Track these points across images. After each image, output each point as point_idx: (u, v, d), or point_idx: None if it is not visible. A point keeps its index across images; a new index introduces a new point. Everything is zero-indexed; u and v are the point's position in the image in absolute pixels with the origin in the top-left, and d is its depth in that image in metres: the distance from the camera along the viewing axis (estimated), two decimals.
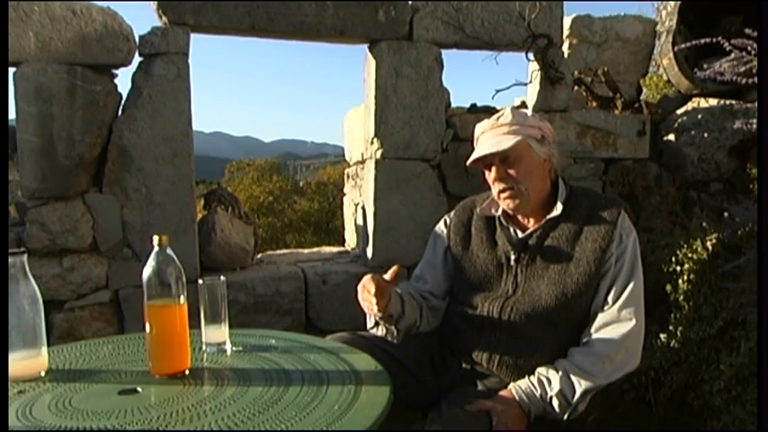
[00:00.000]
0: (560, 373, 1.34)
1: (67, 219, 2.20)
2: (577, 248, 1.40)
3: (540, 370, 1.37)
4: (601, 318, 1.38)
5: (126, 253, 2.30)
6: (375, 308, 1.30)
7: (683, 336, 2.03)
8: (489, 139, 1.44)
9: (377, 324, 1.47)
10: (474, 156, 1.45)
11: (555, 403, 1.32)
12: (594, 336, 1.37)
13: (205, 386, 1.11)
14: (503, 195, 1.44)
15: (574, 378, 1.32)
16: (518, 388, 1.35)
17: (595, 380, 1.32)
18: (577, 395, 1.31)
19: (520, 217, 1.51)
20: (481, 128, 1.49)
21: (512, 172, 1.41)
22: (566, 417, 1.33)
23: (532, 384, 1.34)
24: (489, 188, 1.49)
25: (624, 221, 1.42)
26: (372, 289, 1.28)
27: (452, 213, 1.65)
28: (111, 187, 2.26)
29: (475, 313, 1.47)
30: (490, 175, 1.45)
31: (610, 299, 1.38)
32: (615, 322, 1.36)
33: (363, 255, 2.74)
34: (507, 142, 1.39)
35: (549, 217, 1.44)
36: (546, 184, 1.48)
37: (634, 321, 1.36)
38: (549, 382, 1.33)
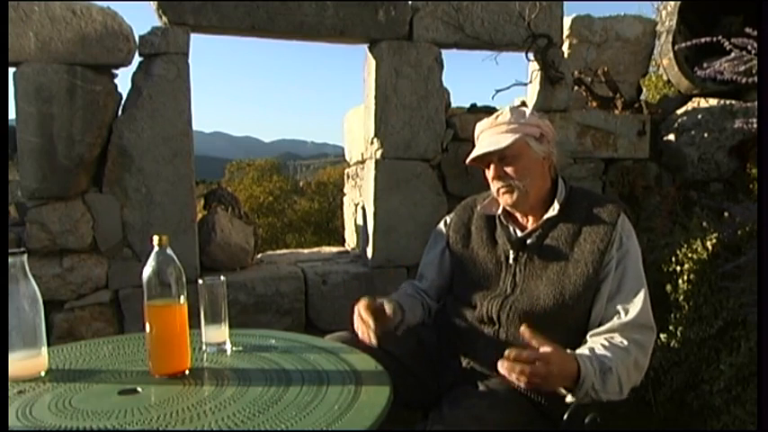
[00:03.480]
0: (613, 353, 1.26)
1: (67, 219, 2.20)
2: (576, 249, 1.39)
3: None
4: (619, 324, 1.32)
5: (126, 253, 2.30)
6: (373, 338, 1.31)
7: (683, 336, 2.03)
8: (488, 137, 1.46)
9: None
10: (472, 155, 1.46)
11: (610, 377, 1.21)
12: (626, 342, 1.29)
13: (205, 386, 1.11)
14: (501, 191, 1.45)
15: (630, 365, 1.26)
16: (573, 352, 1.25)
17: (639, 376, 1.29)
18: (630, 382, 1.26)
19: (519, 216, 1.51)
20: (481, 126, 1.51)
21: (509, 170, 1.42)
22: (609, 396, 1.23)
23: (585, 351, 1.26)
24: (489, 187, 1.50)
25: (624, 224, 1.41)
26: (368, 317, 1.31)
27: (453, 213, 1.66)
28: (111, 187, 2.26)
29: (474, 312, 1.47)
30: (489, 173, 1.46)
31: (620, 308, 1.33)
32: (638, 328, 1.31)
33: (363, 255, 2.74)
34: (505, 141, 1.40)
35: (546, 217, 1.45)
36: (545, 183, 1.48)
37: (653, 329, 1.34)
38: (607, 357, 1.24)
